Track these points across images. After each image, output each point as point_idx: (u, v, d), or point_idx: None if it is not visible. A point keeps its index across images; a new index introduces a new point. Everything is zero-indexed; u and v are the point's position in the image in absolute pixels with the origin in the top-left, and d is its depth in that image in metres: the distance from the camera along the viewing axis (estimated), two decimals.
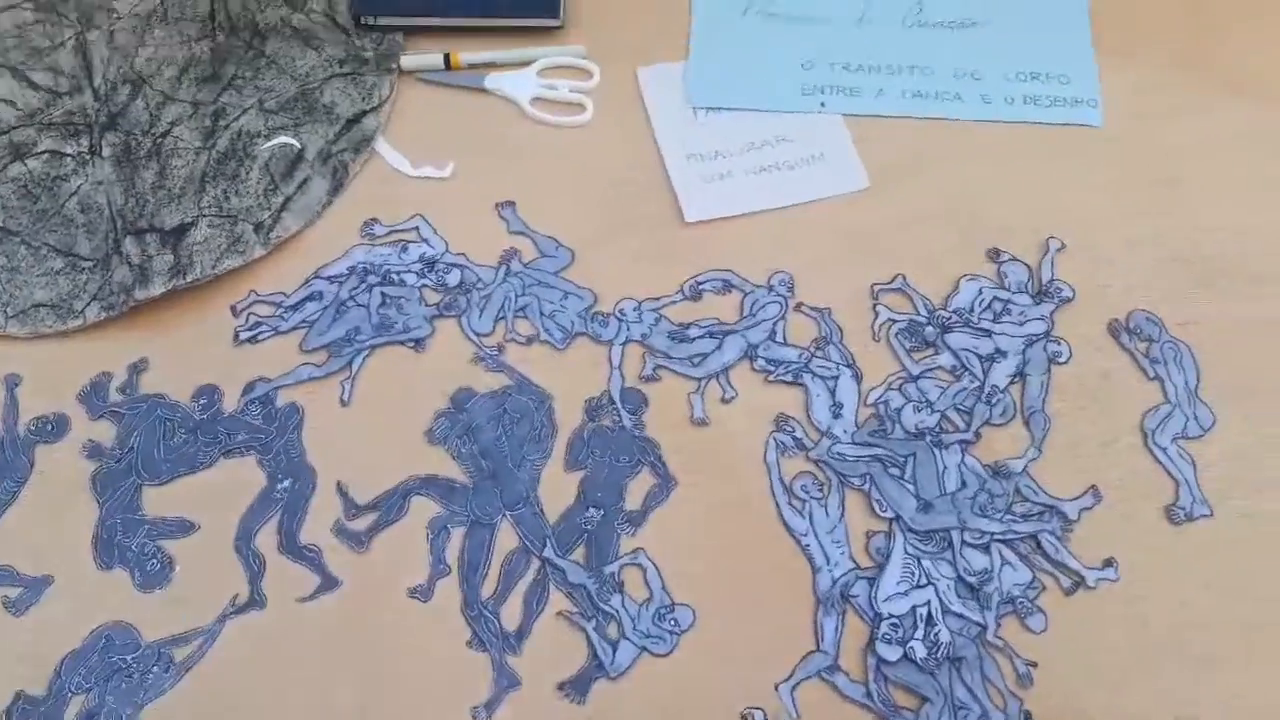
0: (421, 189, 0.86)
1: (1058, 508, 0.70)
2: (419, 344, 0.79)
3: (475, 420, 0.76)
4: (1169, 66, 0.90)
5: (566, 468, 0.74)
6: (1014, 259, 0.81)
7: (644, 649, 0.67)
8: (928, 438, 0.74)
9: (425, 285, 0.82)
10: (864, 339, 0.78)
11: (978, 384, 0.76)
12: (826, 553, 0.69)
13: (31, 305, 0.80)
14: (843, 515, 0.71)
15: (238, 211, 0.84)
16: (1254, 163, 0.84)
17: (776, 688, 0.66)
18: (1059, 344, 0.77)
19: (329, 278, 0.82)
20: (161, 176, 0.85)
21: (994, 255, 0.81)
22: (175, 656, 0.68)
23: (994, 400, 0.75)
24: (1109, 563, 0.69)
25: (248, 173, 0.86)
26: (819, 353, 0.77)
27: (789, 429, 0.74)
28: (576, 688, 0.66)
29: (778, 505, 0.71)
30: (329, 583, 0.70)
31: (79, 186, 0.86)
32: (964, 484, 0.72)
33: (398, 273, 0.82)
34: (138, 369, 0.79)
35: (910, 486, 0.72)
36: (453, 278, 0.82)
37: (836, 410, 0.75)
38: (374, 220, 0.85)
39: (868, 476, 0.72)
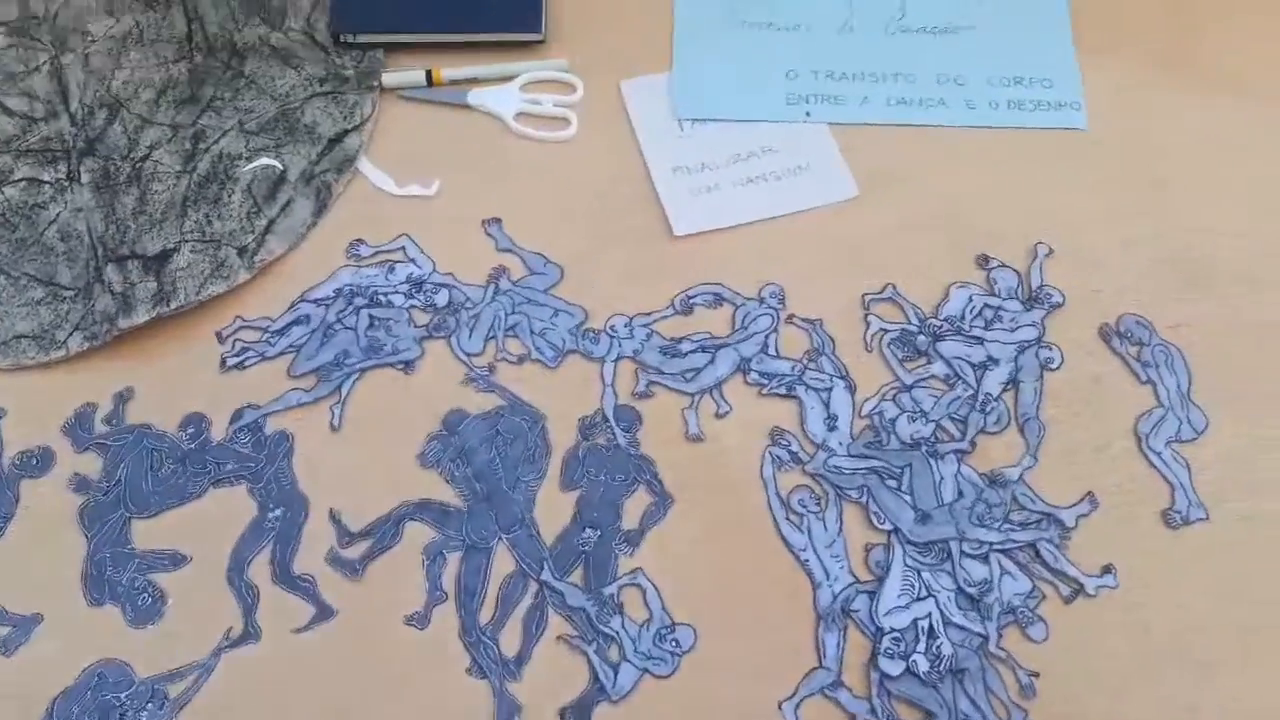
0: (407, 208, 0.86)
1: (1055, 515, 0.70)
2: (409, 366, 0.78)
3: (468, 442, 0.75)
4: (1150, 67, 0.90)
5: (562, 488, 0.73)
6: (1003, 265, 0.81)
7: (646, 671, 0.67)
8: (923, 448, 0.73)
9: (413, 306, 0.81)
10: (856, 350, 0.78)
11: (971, 392, 0.76)
12: (826, 568, 0.69)
13: (12, 336, 0.79)
14: (841, 529, 0.71)
15: (221, 236, 0.83)
16: (1238, 162, 0.85)
17: (780, 706, 0.65)
18: (1051, 350, 0.77)
19: (315, 301, 0.81)
20: (142, 202, 0.84)
21: (983, 262, 0.81)
22: (170, 693, 0.67)
23: (988, 408, 0.75)
24: (1108, 569, 0.69)
25: (230, 196, 0.85)
26: (812, 365, 0.77)
27: (784, 443, 0.74)
28: (578, 712, 0.66)
29: (775, 520, 0.71)
30: (324, 612, 0.69)
31: (58, 214, 0.84)
32: (961, 494, 0.72)
33: (385, 294, 0.82)
34: (123, 399, 0.78)
35: (908, 498, 0.71)
36: (441, 298, 0.81)
37: (831, 422, 0.75)
38: (359, 241, 0.84)
39: (865, 489, 0.72)
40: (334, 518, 0.73)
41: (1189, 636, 0.67)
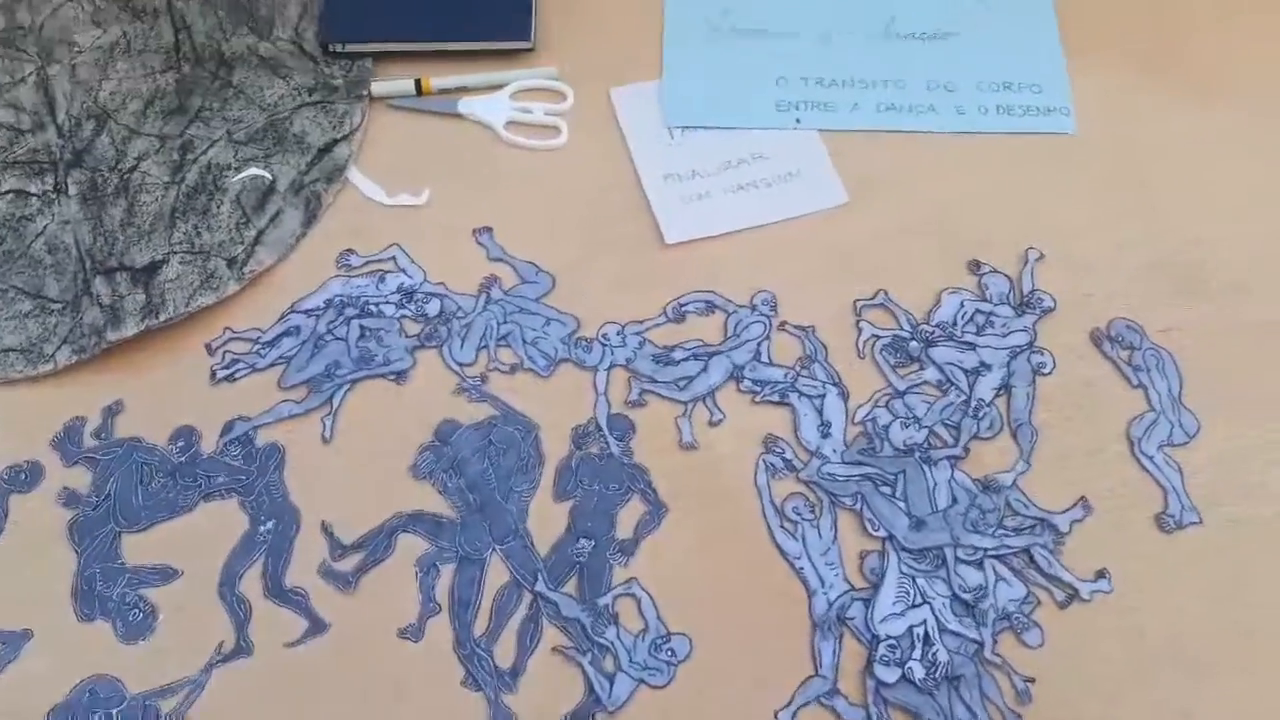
0: (397, 217, 0.85)
1: (1049, 520, 0.70)
2: (400, 376, 0.78)
3: (460, 453, 0.75)
4: (1138, 71, 0.90)
5: (555, 498, 0.73)
6: (994, 270, 0.81)
7: (641, 681, 0.66)
8: (917, 454, 0.73)
9: (405, 316, 0.81)
10: (849, 356, 0.78)
11: (964, 398, 0.76)
12: (821, 575, 0.69)
13: (0, 350, 0.79)
14: (835, 536, 0.71)
15: (210, 247, 0.82)
16: (1227, 165, 0.85)
17: (776, 715, 0.65)
18: (1042, 355, 0.77)
19: (306, 311, 0.81)
20: (130, 213, 0.84)
21: (974, 267, 0.81)
22: (162, 709, 0.66)
23: (981, 414, 0.75)
24: (1101, 574, 0.69)
25: (219, 206, 0.84)
26: (804, 372, 0.77)
27: (778, 450, 0.74)
28: None
29: (770, 528, 0.71)
30: (317, 626, 0.69)
31: (45, 226, 0.84)
32: (955, 500, 0.72)
33: (376, 304, 0.81)
34: (112, 412, 0.77)
35: (902, 504, 0.71)
36: (432, 307, 0.81)
37: (825, 429, 0.75)
38: (350, 251, 0.84)
39: (859, 495, 0.72)
40: (326, 530, 0.72)
41: (1183, 640, 0.67)
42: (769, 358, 0.78)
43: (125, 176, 0.85)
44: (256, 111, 0.89)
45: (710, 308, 0.80)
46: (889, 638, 0.67)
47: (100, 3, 0.95)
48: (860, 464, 0.73)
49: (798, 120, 0.89)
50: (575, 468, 0.74)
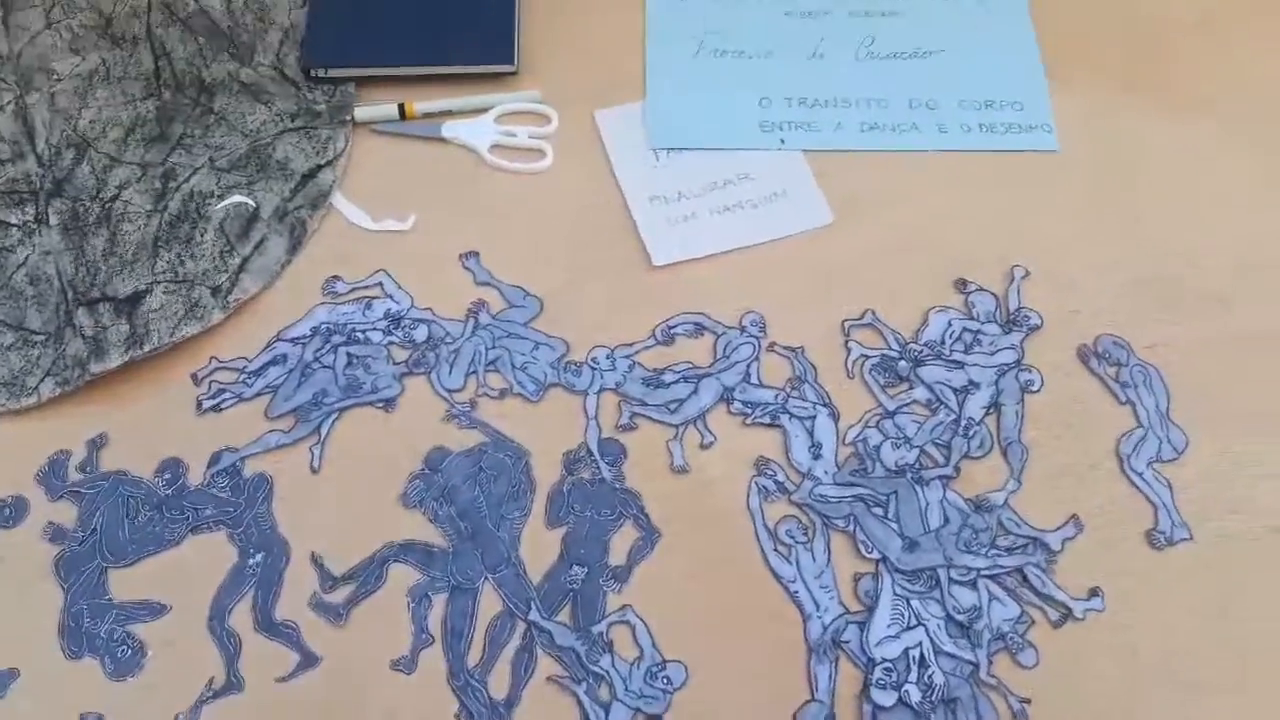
0: (383, 243, 0.85)
1: (1041, 539, 0.71)
2: (389, 404, 0.78)
3: (451, 480, 0.74)
4: (1119, 88, 0.91)
5: (547, 525, 0.73)
6: (981, 289, 0.81)
7: (638, 710, 0.66)
8: (908, 474, 0.73)
9: (392, 342, 0.80)
10: (838, 376, 0.78)
11: (954, 417, 0.76)
12: (815, 599, 0.69)
13: None
14: (829, 559, 0.71)
15: (194, 275, 0.81)
16: (1209, 181, 0.86)
17: None
18: (1030, 372, 0.77)
19: (292, 340, 0.80)
20: (112, 243, 0.83)
21: (961, 286, 0.81)
22: None
23: (971, 433, 0.75)
24: (1094, 592, 0.69)
25: (202, 235, 0.83)
26: (794, 393, 0.77)
27: (770, 472, 0.74)
28: None
29: (763, 552, 0.71)
30: (308, 660, 0.68)
31: (26, 257, 0.83)
32: (947, 520, 0.72)
33: (363, 331, 0.81)
34: (97, 445, 0.76)
35: (894, 525, 0.71)
36: (420, 333, 0.80)
37: (816, 451, 0.75)
38: (335, 278, 0.83)
39: (851, 517, 0.72)
40: (316, 561, 0.71)
41: (1177, 658, 0.67)
42: (759, 379, 0.78)
43: (107, 205, 0.85)
44: (239, 138, 0.89)
45: (699, 329, 0.80)
46: (885, 661, 0.66)
47: (79, 30, 0.94)
48: (852, 485, 0.73)
49: (782, 141, 0.89)
50: (567, 494, 0.74)
